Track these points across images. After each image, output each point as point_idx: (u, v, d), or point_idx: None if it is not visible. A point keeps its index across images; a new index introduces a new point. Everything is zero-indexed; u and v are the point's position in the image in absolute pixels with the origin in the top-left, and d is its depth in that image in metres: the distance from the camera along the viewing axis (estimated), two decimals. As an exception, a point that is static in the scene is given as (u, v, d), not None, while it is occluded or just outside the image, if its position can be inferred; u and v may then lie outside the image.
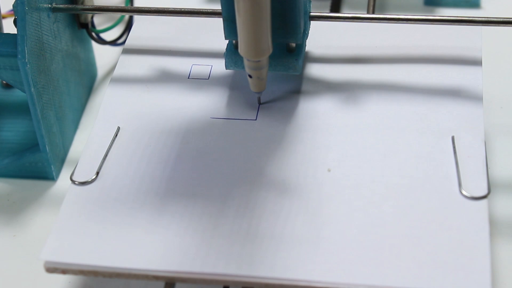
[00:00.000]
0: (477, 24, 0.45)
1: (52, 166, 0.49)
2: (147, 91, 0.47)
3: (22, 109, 0.52)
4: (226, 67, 0.45)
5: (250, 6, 0.39)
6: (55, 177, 0.50)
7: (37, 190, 0.49)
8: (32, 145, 0.49)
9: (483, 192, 0.40)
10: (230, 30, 0.43)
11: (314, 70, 0.47)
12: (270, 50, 0.42)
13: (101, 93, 0.56)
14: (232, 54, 0.45)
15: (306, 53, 0.48)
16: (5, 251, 0.46)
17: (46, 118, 0.47)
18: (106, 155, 0.43)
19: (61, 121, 0.50)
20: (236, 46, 0.44)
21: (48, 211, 0.48)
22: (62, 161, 0.51)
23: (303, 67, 0.47)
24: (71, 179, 0.42)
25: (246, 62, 0.42)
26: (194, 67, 0.48)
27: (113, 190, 0.42)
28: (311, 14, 0.46)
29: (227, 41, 0.45)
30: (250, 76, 0.43)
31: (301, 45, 0.45)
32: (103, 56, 0.58)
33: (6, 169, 0.50)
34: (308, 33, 0.46)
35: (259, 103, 0.46)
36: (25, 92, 0.46)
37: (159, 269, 0.38)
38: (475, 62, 0.47)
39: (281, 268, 0.38)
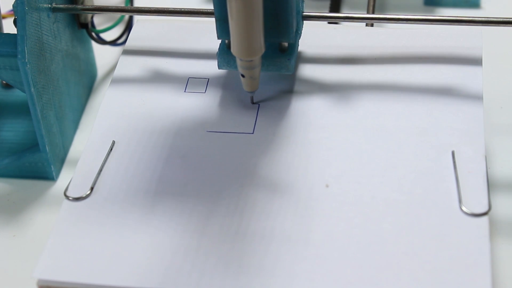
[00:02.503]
0: (477, 24, 0.45)
1: (52, 166, 0.49)
2: (142, 105, 0.46)
3: (22, 109, 0.52)
4: (219, 67, 0.45)
5: (242, 5, 0.39)
6: (55, 177, 0.50)
7: (37, 190, 0.49)
8: (32, 145, 0.49)
9: (484, 208, 0.39)
10: (223, 29, 0.43)
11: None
12: (263, 50, 0.42)
13: (101, 93, 0.56)
14: (224, 54, 0.45)
15: (299, 53, 0.48)
16: (5, 251, 0.46)
17: (46, 118, 0.47)
18: (100, 170, 0.43)
19: (61, 121, 0.50)
20: (228, 46, 0.44)
21: (48, 211, 0.48)
22: (62, 161, 0.51)
23: (295, 67, 0.47)
24: (65, 194, 0.42)
25: (238, 62, 0.42)
26: (191, 80, 0.47)
27: (107, 206, 0.41)
28: (304, 14, 0.46)
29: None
30: (242, 76, 0.43)
31: (293, 45, 0.45)
32: (103, 56, 0.58)
33: (6, 169, 0.50)
34: (301, 33, 0.46)
35: (252, 103, 0.45)
36: (25, 92, 0.45)
37: (155, 287, 0.37)
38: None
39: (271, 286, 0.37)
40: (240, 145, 0.43)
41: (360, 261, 0.38)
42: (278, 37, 0.43)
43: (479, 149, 0.42)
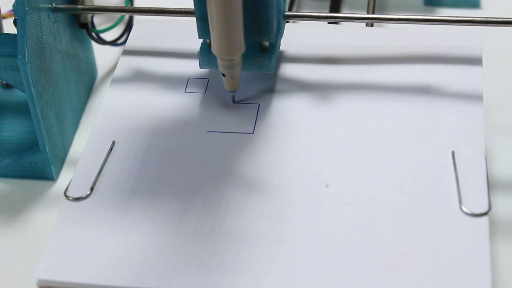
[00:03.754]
0: (477, 24, 0.45)
1: (52, 166, 0.49)
2: (142, 105, 0.46)
3: (22, 109, 0.52)
4: (200, 66, 0.45)
5: (221, 5, 0.39)
6: (55, 177, 0.50)
7: (37, 190, 0.49)
8: (32, 145, 0.49)
9: (484, 209, 0.39)
10: (204, 29, 0.43)
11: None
12: (243, 49, 0.42)
13: (101, 93, 0.56)
14: (206, 53, 0.45)
15: (281, 52, 0.48)
16: (5, 251, 0.46)
17: (46, 118, 0.47)
18: (100, 170, 0.43)
19: (61, 121, 0.50)
20: (210, 45, 0.44)
21: (48, 211, 0.48)
22: (62, 161, 0.51)
23: (277, 67, 0.47)
24: (65, 194, 0.42)
25: (219, 61, 0.42)
26: (191, 80, 0.47)
27: (107, 206, 0.41)
28: (286, 13, 0.46)
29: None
30: (223, 75, 0.43)
31: (274, 44, 0.45)
32: (103, 56, 0.58)
33: (6, 169, 0.50)
34: (282, 32, 0.46)
35: (234, 102, 0.45)
36: (25, 92, 0.45)
37: (155, 286, 0.38)
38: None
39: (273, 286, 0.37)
40: (240, 145, 0.43)
41: (360, 261, 0.38)
42: (259, 37, 0.44)
43: (479, 149, 0.42)
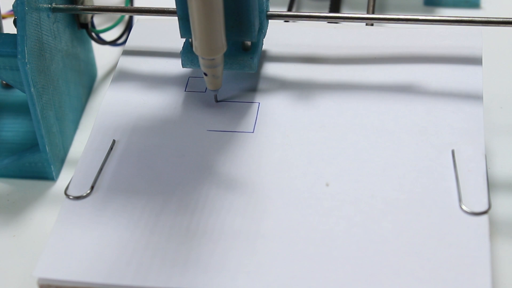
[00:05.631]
0: (477, 24, 0.45)
1: (52, 166, 0.49)
2: (143, 104, 0.46)
3: (22, 109, 0.52)
4: (183, 66, 0.45)
5: (202, 4, 0.39)
6: (55, 177, 0.50)
7: (37, 190, 0.49)
8: (32, 145, 0.49)
9: (484, 207, 0.39)
10: (186, 28, 0.44)
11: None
12: (224, 48, 0.42)
13: (101, 93, 0.56)
14: (188, 52, 0.45)
15: (264, 51, 0.48)
16: (5, 251, 0.46)
17: (46, 118, 0.47)
18: (101, 169, 0.43)
19: (61, 121, 0.50)
20: (192, 44, 0.44)
21: (48, 211, 0.48)
22: (62, 161, 0.51)
23: (259, 66, 0.47)
24: (65, 193, 0.42)
25: (201, 60, 0.43)
26: (191, 79, 0.47)
27: (108, 204, 0.41)
28: (269, 13, 0.46)
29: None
30: (205, 74, 0.43)
31: (256, 44, 0.45)
32: (103, 56, 0.58)
33: (6, 169, 0.50)
34: (265, 31, 0.46)
35: (216, 101, 0.46)
36: (25, 92, 0.45)
37: (154, 285, 0.38)
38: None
39: (274, 284, 0.37)
40: (241, 144, 0.43)
41: (360, 259, 0.38)
42: (240, 36, 0.44)
43: (479, 148, 0.42)
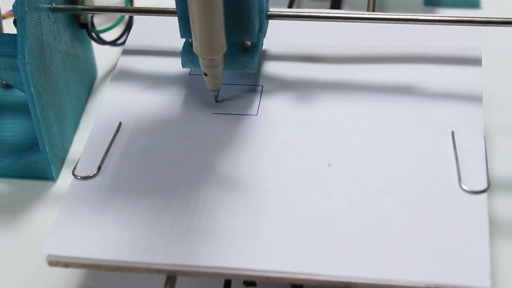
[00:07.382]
0: (477, 24, 0.45)
1: (52, 166, 0.49)
2: (148, 88, 0.47)
3: (22, 109, 0.52)
4: (183, 66, 0.46)
5: (202, 4, 0.39)
6: (55, 177, 0.50)
7: (37, 190, 0.49)
8: (32, 145, 0.49)
9: (483, 186, 0.40)
10: (186, 28, 0.44)
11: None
12: (224, 48, 0.42)
13: (101, 93, 0.56)
14: (188, 52, 0.45)
15: (264, 51, 0.48)
16: (5, 251, 0.46)
17: (46, 118, 0.47)
18: (108, 150, 0.43)
19: (61, 121, 0.50)
20: (192, 44, 0.44)
21: (48, 211, 0.48)
22: (62, 161, 0.51)
23: (259, 66, 0.47)
24: (73, 173, 0.42)
25: (201, 60, 0.43)
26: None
27: (115, 184, 0.42)
28: (269, 12, 0.46)
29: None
30: (205, 74, 0.44)
31: (256, 44, 0.45)
32: (103, 56, 0.58)
33: (6, 169, 0.50)
34: (265, 31, 0.46)
35: (216, 101, 0.46)
36: (25, 92, 0.46)
37: (161, 262, 0.38)
38: (475, 62, 0.47)
39: (277, 260, 0.38)
40: (245, 126, 0.44)
41: (362, 237, 0.38)
42: (240, 36, 0.44)
43: (478, 129, 0.43)
